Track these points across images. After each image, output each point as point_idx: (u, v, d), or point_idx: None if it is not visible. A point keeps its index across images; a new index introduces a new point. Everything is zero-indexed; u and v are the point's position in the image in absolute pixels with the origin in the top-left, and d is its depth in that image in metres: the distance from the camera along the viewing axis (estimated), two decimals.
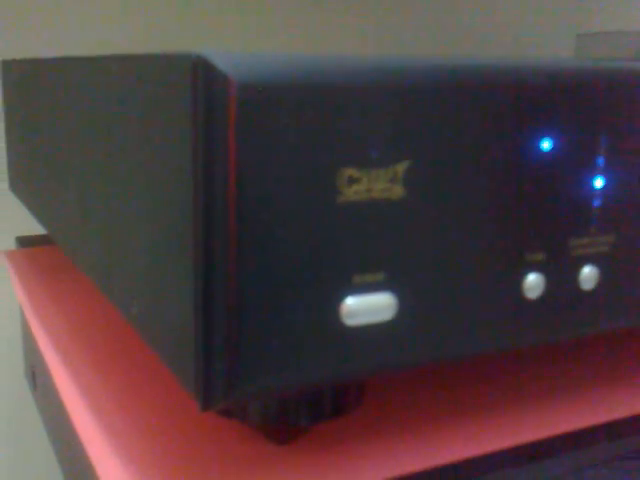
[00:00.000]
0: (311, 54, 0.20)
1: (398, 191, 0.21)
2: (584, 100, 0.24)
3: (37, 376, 0.44)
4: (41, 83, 0.39)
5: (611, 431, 0.28)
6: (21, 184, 0.49)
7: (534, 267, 0.24)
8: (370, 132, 0.20)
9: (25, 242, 0.57)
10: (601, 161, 0.25)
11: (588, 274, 0.25)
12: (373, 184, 0.21)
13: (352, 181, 0.20)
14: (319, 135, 0.20)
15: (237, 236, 0.19)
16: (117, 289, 0.27)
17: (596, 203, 0.25)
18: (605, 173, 0.25)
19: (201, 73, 0.19)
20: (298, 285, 0.20)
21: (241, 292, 0.20)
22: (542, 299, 0.25)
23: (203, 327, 0.20)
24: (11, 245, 0.64)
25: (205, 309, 0.20)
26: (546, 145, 0.24)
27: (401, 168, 0.21)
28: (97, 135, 0.28)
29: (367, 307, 0.21)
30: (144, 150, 0.23)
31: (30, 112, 0.44)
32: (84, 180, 0.31)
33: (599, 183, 0.25)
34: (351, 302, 0.21)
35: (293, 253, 0.20)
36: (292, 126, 0.19)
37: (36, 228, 0.64)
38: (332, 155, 0.20)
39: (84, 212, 0.31)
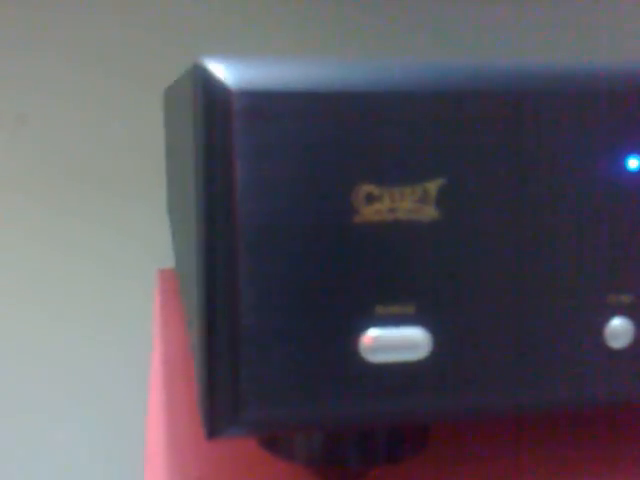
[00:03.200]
0: (319, 57, 0.18)
1: (430, 212, 0.19)
2: None
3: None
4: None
5: None
6: (170, 211, 0.52)
7: (619, 311, 0.20)
8: (391, 144, 0.18)
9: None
10: None
11: None
12: (397, 203, 0.18)
13: (371, 199, 0.18)
14: (331, 146, 0.18)
15: (241, 259, 0.18)
16: (188, 314, 0.27)
17: None
18: None
19: (200, 81, 0.18)
20: (310, 313, 0.19)
21: (245, 320, 0.18)
22: (630, 349, 0.20)
23: (207, 355, 0.19)
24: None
25: (209, 337, 0.18)
26: (633, 164, 0.20)
27: (433, 186, 0.19)
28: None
29: (393, 342, 0.19)
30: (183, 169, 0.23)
31: (171, 138, 0.46)
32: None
33: None
34: (374, 335, 0.19)
35: (303, 278, 0.18)
36: (299, 137, 0.18)
37: None
38: (346, 169, 0.18)
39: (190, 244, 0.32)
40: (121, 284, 0.60)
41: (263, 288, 0.18)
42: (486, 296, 0.19)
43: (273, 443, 0.24)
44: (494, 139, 0.19)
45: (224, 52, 0.58)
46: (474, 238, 0.19)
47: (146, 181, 0.60)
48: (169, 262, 0.59)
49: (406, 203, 0.18)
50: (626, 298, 0.20)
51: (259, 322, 0.18)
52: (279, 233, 0.18)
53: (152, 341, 0.67)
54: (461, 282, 0.19)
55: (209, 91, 0.18)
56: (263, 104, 0.18)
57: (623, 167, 0.20)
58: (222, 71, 0.18)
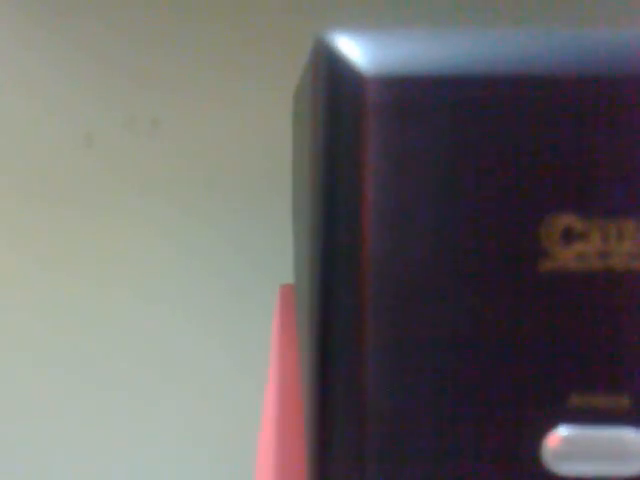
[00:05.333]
0: (485, 29, 0.12)
1: None
2: None
3: None
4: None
5: None
6: (293, 222, 0.47)
7: None
8: (604, 151, 0.12)
9: None
10: None
11: None
12: (613, 245, 0.12)
13: (571, 237, 0.12)
14: (508, 154, 0.12)
15: (368, 320, 0.12)
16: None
17: None
18: None
19: (323, 65, 0.12)
20: (468, 400, 0.13)
21: (370, 417, 0.13)
22: None
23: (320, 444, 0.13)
24: None
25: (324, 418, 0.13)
26: None
27: None
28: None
29: (593, 446, 0.13)
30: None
31: (296, 141, 0.41)
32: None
33: None
34: (565, 434, 0.13)
35: (456, 348, 0.12)
36: (460, 142, 0.12)
37: None
38: (533, 190, 0.12)
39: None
40: (246, 299, 0.57)
41: (398, 361, 0.12)
42: None
43: None
44: None
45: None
46: None
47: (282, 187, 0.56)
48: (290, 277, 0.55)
49: (626, 245, 0.12)
50: None
51: (393, 420, 0.12)
52: (423, 283, 0.12)
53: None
54: None
55: (335, 77, 0.13)
56: (409, 95, 0.12)
57: None
58: (353, 50, 0.13)
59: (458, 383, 0.13)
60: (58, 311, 0.58)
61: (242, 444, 0.59)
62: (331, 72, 0.13)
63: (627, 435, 0.13)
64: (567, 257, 0.12)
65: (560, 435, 0.13)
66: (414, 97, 0.12)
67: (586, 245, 0.12)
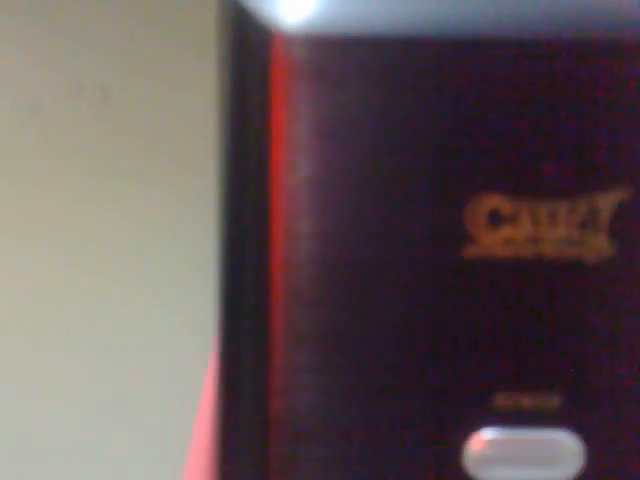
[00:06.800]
0: None
1: (600, 245, 0.11)
2: None
3: None
4: None
5: None
6: None
7: None
8: (534, 123, 0.11)
9: None
10: None
11: None
12: (544, 229, 0.11)
13: (498, 220, 0.11)
14: (430, 128, 0.11)
15: (278, 307, 0.11)
16: None
17: None
18: None
19: (230, 20, 0.11)
20: (388, 401, 0.11)
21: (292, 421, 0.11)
22: None
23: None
24: None
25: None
26: None
27: (607, 201, 0.11)
28: None
29: (520, 450, 0.12)
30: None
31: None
32: None
33: None
34: (490, 437, 0.12)
35: (380, 345, 0.11)
36: (383, 112, 0.11)
37: None
38: (456, 169, 0.11)
39: None
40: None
41: (307, 359, 0.11)
42: None
43: None
44: None
45: None
46: None
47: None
48: None
49: (560, 229, 0.11)
50: None
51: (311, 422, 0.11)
52: (344, 270, 0.11)
53: None
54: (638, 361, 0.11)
55: (242, 35, 0.11)
56: (329, 57, 0.11)
57: None
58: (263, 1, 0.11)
59: (372, 382, 0.11)
60: None
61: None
62: (235, 27, 0.11)
63: (557, 437, 0.12)
64: (494, 242, 0.11)
65: (484, 438, 0.12)
66: (333, 60, 0.11)
67: (515, 229, 0.11)
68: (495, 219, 0.11)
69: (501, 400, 0.11)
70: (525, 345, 0.11)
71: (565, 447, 0.12)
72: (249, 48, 0.11)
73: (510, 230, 0.11)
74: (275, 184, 0.11)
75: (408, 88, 0.11)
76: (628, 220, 0.11)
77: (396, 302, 0.11)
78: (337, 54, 0.11)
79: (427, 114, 0.11)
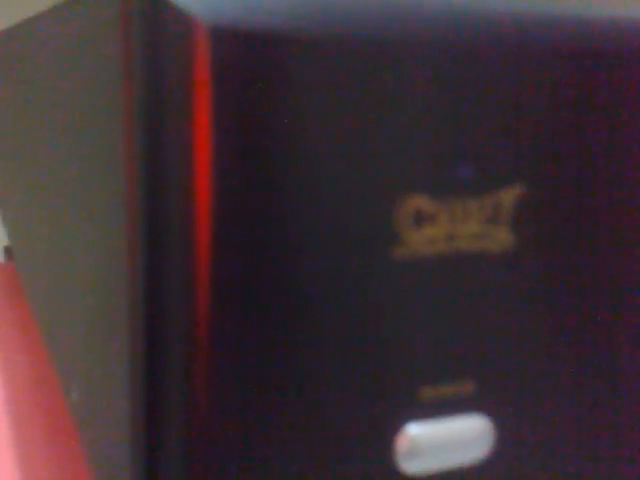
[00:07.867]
0: None
1: (502, 237, 0.12)
2: None
3: None
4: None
5: None
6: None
7: None
8: (446, 123, 0.11)
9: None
10: None
11: None
12: (458, 226, 0.12)
13: (422, 220, 0.11)
14: (357, 128, 0.11)
15: (210, 299, 0.10)
16: (58, 358, 0.18)
17: None
18: None
19: (144, 7, 0.10)
20: (318, 400, 0.11)
21: (213, 409, 0.11)
22: None
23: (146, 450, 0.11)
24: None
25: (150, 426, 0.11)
26: None
27: (509, 196, 0.12)
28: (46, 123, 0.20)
29: (444, 440, 0.12)
30: (75, 137, 0.14)
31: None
32: (38, 184, 0.22)
33: None
34: (417, 432, 0.12)
35: (307, 345, 0.11)
36: (306, 108, 0.10)
37: None
38: (383, 169, 0.11)
39: (34, 232, 0.23)
40: None
41: (236, 362, 0.10)
42: (583, 368, 0.13)
43: None
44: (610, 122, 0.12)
45: None
46: (568, 277, 0.12)
47: None
48: None
49: (472, 226, 0.12)
50: None
51: (237, 411, 0.11)
52: (268, 272, 0.11)
53: None
54: (546, 347, 0.13)
55: (158, 26, 0.10)
56: (252, 49, 0.10)
57: None
58: None
59: (298, 380, 0.11)
60: None
61: None
62: (149, 17, 0.10)
63: (476, 422, 0.12)
64: (419, 242, 0.11)
65: (411, 433, 0.12)
66: (258, 52, 0.10)
67: (436, 228, 0.11)
68: (419, 219, 0.11)
69: (426, 393, 0.12)
70: (444, 338, 0.12)
71: (478, 430, 0.12)
72: (167, 41, 0.10)
73: (431, 229, 0.11)
74: (199, 189, 0.10)
75: (333, 88, 0.11)
76: (526, 214, 0.12)
77: (322, 301, 0.11)
78: (270, 48, 0.10)
79: (349, 113, 0.11)
